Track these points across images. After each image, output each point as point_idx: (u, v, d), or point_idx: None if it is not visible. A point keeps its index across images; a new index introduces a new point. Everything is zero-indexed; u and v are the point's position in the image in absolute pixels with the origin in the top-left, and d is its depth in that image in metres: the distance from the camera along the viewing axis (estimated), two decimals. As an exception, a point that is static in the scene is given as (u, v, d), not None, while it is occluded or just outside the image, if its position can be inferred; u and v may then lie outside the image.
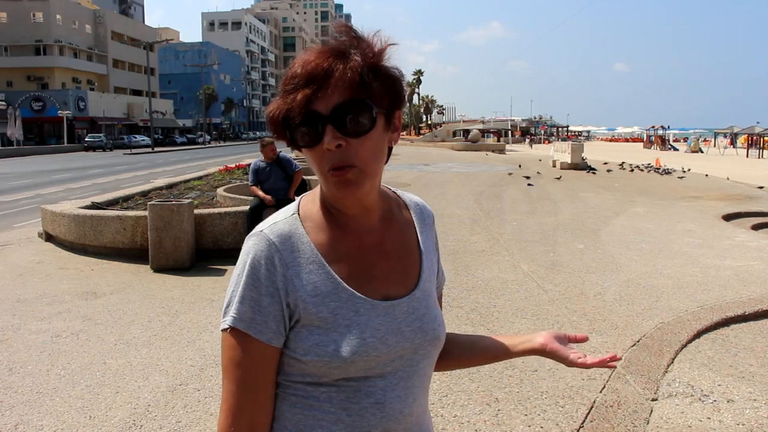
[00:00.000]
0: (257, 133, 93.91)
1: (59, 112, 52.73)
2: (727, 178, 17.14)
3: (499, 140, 50.40)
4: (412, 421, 0.97)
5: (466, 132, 51.72)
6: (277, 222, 0.93)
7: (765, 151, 34.04)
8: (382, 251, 0.97)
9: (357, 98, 0.86)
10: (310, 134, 0.86)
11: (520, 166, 21.24)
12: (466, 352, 1.14)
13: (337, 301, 0.90)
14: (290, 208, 0.97)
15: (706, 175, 17.63)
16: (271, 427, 0.93)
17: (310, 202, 0.97)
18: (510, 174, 18.43)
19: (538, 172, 18.67)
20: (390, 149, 0.95)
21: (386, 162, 0.96)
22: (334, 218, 0.95)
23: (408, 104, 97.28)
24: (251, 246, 0.91)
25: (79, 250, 7.35)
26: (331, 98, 0.85)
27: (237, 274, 0.91)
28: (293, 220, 0.94)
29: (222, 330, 0.90)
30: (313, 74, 0.85)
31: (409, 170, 19.68)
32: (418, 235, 1.04)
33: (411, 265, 1.00)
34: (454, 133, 59.26)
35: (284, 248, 0.90)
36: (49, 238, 8.05)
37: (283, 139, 0.93)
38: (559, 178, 16.55)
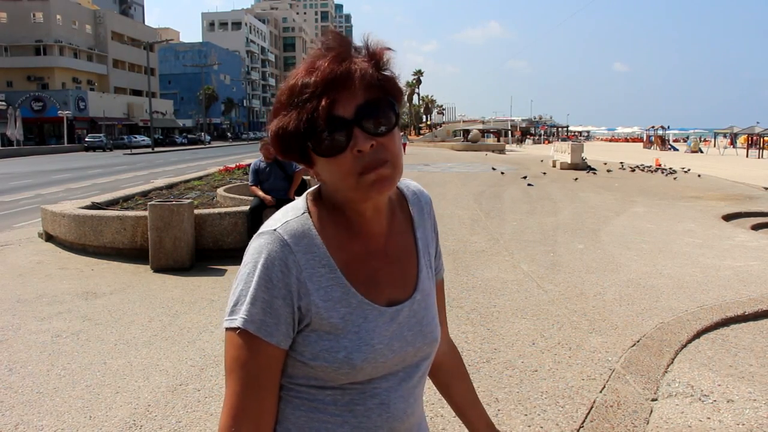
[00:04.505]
0: (257, 133, 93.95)
1: (59, 112, 52.77)
2: (731, 181, 17.14)
3: (498, 140, 50.36)
4: (414, 421, 0.98)
5: (466, 132, 51.68)
6: (289, 221, 0.90)
7: (765, 151, 34.04)
8: (386, 255, 0.96)
9: (380, 97, 0.85)
10: (335, 141, 0.83)
11: (502, 173, 18.91)
12: (457, 402, 1.17)
13: (347, 307, 0.89)
14: (299, 205, 0.94)
15: (699, 176, 17.59)
16: (274, 429, 0.91)
17: (315, 201, 0.94)
18: (503, 173, 18.46)
19: (543, 173, 18.67)
20: None
21: None
22: (340, 220, 0.92)
23: (408, 104, 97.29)
24: (264, 245, 0.87)
25: (79, 250, 7.35)
26: (352, 101, 0.83)
27: (247, 272, 0.87)
28: (305, 219, 0.91)
29: (228, 329, 0.87)
30: (330, 79, 0.83)
31: (409, 170, 19.67)
32: (416, 232, 1.02)
33: (410, 266, 0.99)
34: (454, 133, 59.27)
35: (298, 249, 0.87)
36: (49, 238, 8.05)
37: (294, 154, 0.89)
38: (576, 180, 16.41)
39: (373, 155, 0.84)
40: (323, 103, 0.82)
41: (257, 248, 0.88)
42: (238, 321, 0.86)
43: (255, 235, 0.90)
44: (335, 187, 0.90)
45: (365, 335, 0.88)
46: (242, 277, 0.87)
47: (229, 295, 0.89)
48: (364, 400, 0.90)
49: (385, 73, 0.89)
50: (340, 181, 0.87)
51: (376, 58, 0.88)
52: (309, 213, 0.92)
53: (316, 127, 0.83)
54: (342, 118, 0.83)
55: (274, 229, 0.88)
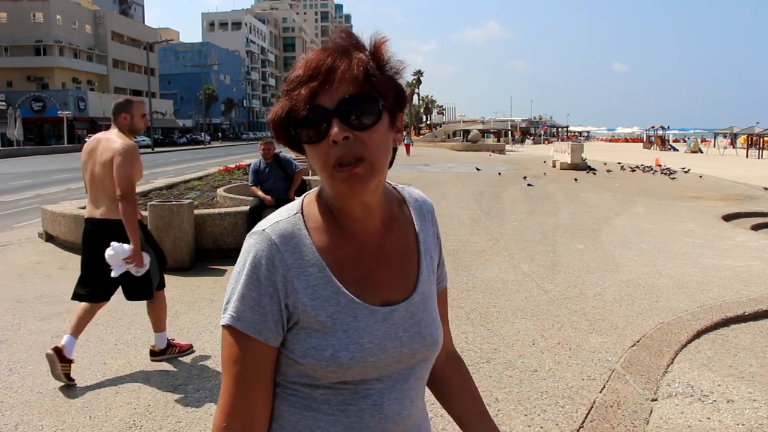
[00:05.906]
0: (257, 133, 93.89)
1: (59, 112, 52.69)
2: (731, 181, 17.13)
3: (498, 140, 50.36)
4: (410, 424, 0.96)
5: (466, 132, 51.70)
6: (279, 221, 0.92)
7: (765, 151, 34.05)
8: (383, 256, 0.96)
9: (363, 91, 0.86)
10: (315, 129, 0.86)
11: (500, 173, 18.90)
12: (459, 413, 1.13)
13: (335, 305, 0.89)
14: (293, 206, 0.96)
15: (700, 176, 17.58)
16: (270, 426, 0.92)
17: (312, 201, 0.96)
18: (500, 174, 18.46)
19: (543, 173, 18.67)
20: (395, 150, 0.94)
21: (391, 164, 0.94)
22: (336, 220, 0.93)
23: (408, 104, 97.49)
24: (252, 245, 0.90)
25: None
26: (336, 92, 0.85)
27: (237, 271, 0.90)
28: (296, 219, 0.92)
29: (221, 326, 0.90)
30: (317, 70, 0.85)
31: (409, 170, 19.68)
32: (418, 235, 1.02)
33: (410, 268, 0.99)
34: (454, 134, 59.36)
35: (285, 249, 0.89)
36: (49, 238, 8.05)
37: (284, 140, 0.92)
38: (576, 180, 16.37)
39: (348, 147, 0.85)
40: (303, 91, 0.85)
41: (247, 248, 0.91)
42: (227, 318, 0.89)
43: (247, 235, 0.93)
44: (322, 179, 0.92)
45: (354, 334, 0.89)
46: (234, 277, 0.91)
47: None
48: (356, 401, 0.90)
49: (385, 71, 0.90)
50: (320, 171, 0.89)
51: (375, 54, 0.90)
52: (303, 213, 0.94)
53: (299, 114, 0.86)
54: (323, 107, 0.85)
55: (263, 229, 0.91)
